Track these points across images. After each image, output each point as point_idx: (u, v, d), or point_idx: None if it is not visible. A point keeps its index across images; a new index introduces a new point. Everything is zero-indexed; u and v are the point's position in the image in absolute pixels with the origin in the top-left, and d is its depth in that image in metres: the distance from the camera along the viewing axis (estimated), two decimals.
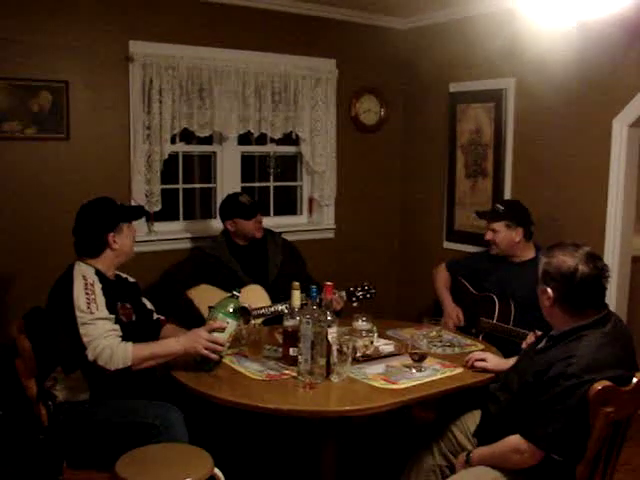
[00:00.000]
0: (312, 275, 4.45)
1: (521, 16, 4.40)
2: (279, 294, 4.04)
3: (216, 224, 4.96)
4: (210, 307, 3.70)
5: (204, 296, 4.04)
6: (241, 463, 3.55)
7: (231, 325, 3.09)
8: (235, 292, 3.17)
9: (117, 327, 3.06)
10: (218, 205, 4.99)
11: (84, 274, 3.09)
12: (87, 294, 3.02)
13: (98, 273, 3.15)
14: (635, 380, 2.55)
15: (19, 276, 4.11)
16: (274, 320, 3.86)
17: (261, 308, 3.97)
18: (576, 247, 2.66)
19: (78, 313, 2.97)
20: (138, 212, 3.63)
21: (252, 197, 4.52)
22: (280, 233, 4.62)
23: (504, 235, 4.07)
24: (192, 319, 3.82)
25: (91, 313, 2.98)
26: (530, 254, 4.09)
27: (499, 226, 4.08)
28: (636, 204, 4.45)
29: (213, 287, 4.11)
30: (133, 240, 3.36)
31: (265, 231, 4.46)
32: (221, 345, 3.07)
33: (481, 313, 4.09)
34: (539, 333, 3.25)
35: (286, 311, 3.30)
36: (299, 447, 3.93)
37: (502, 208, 4.13)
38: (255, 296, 4.08)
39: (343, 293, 3.93)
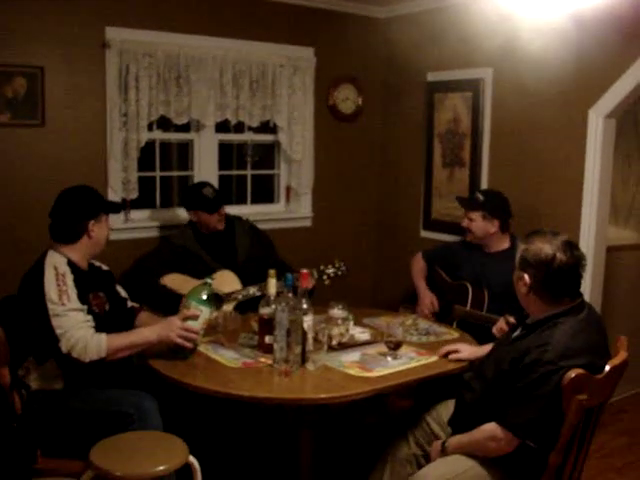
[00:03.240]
0: (285, 260, 4.45)
1: (499, 6, 4.41)
2: (249, 278, 4.04)
3: None
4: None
5: (176, 282, 4.03)
6: (216, 451, 3.55)
7: (205, 313, 3.08)
8: (208, 279, 3.16)
9: (90, 318, 3.04)
10: None
11: (55, 264, 3.07)
12: (58, 285, 3.00)
13: (70, 264, 3.12)
14: (608, 368, 2.57)
15: None
16: (249, 307, 3.86)
17: (232, 293, 3.97)
18: (554, 235, 2.68)
19: (50, 305, 2.96)
20: (117, 206, 3.62)
21: (216, 189, 4.46)
22: (247, 219, 4.62)
23: (480, 225, 4.10)
24: (171, 301, 3.80)
25: (63, 304, 2.96)
26: (505, 244, 4.13)
27: (476, 215, 4.10)
28: (611, 194, 4.48)
29: (183, 275, 4.10)
30: (108, 233, 3.35)
31: (231, 217, 4.46)
32: (195, 333, 3.06)
33: (455, 301, 4.13)
34: (510, 318, 3.28)
35: (258, 293, 3.29)
36: (276, 435, 3.94)
37: (481, 198, 4.16)
38: (226, 281, 4.07)
39: (314, 271, 3.94)
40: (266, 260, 3.81)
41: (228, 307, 3.81)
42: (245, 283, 4.06)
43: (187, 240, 4.29)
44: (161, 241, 4.54)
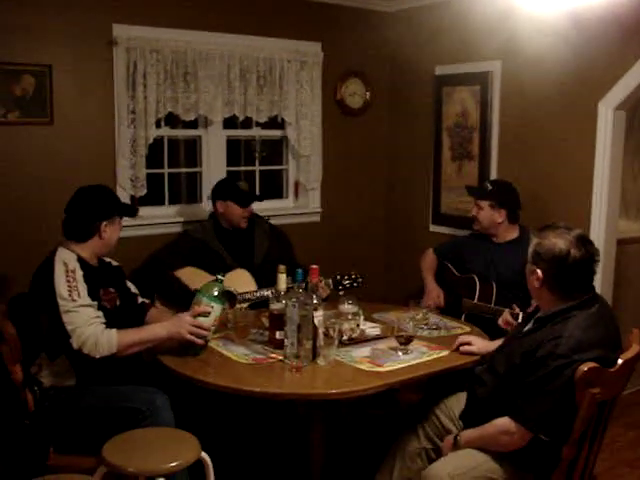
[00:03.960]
0: (299, 261, 4.44)
1: (508, 0, 4.39)
2: (265, 279, 4.03)
3: (202, 208, 4.95)
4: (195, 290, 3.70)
5: (190, 277, 4.03)
6: (228, 447, 3.56)
7: (216, 309, 3.08)
8: (219, 276, 3.16)
9: (100, 314, 3.05)
10: (204, 189, 4.99)
11: (65, 260, 3.07)
12: (68, 281, 3.00)
13: (80, 260, 3.13)
14: (620, 361, 2.57)
15: (2, 261, 4.07)
16: (260, 304, 3.86)
17: (247, 293, 3.97)
18: (568, 230, 2.66)
19: (60, 301, 2.96)
20: (132, 209, 3.61)
21: (250, 186, 4.48)
22: (268, 218, 4.61)
23: (487, 214, 4.11)
24: (183, 296, 3.79)
25: (73, 301, 2.97)
26: (513, 235, 4.13)
27: (484, 204, 4.12)
28: (621, 187, 4.46)
29: (199, 270, 4.10)
30: (118, 236, 3.35)
31: (252, 216, 4.44)
32: (206, 330, 3.07)
33: (464, 295, 4.12)
34: (516, 309, 3.27)
35: (272, 297, 3.29)
36: (287, 430, 3.94)
37: (490, 187, 4.16)
38: (241, 280, 4.07)
39: (329, 281, 3.92)
40: (283, 263, 3.79)
41: (241, 306, 3.81)
42: (260, 284, 4.06)
43: (207, 235, 4.29)
44: (180, 234, 4.52)
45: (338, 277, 3.95)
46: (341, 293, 3.91)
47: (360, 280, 3.98)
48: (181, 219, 4.81)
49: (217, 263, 4.11)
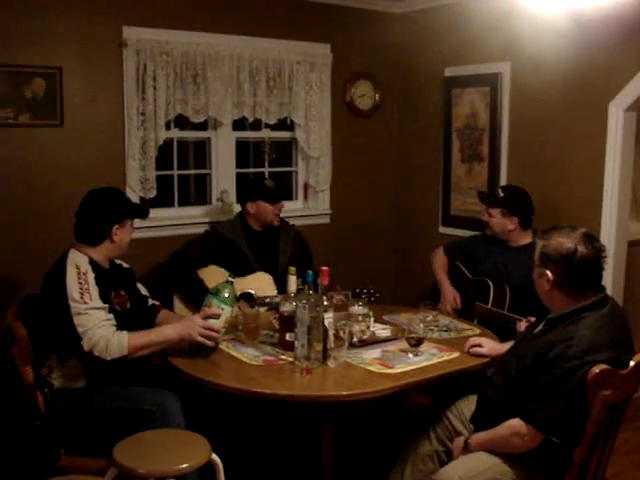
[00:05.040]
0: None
1: (517, 0, 4.38)
2: (285, 285, 4.02)
3: (211, 210, 4.96)
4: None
5: (213, 277, 4.01)
6: (239, 449, 3.56)
7: (226, 311, 3.08)
8: (229, 278, 3.16)
9: (111, 316, 3.06)
10: (213, 191, 4.99)
11: (77, 263, 3.07)
12: (80, 284, 3.00)
13: (92, 262, 3.13)
14: (632, 363, 2.55)
15: (13, 263, 4.09)
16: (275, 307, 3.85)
17: (266, 297, 3.96)
18: (572, 229, 2.67)
19: (71, 303, 2.96)
20: (143, 211, 3.60)
21: (277, 183, 4.49)
22: (293, 225, 4.62)
23: (498, 221, 4.07)
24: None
25: (85, 303, 2.97)
26: (526, 240, 4.09)
27: (495, 212, 4.08)
28: (632, 188, 4.45)
29: (221, 269, 4.09)
30: (130, 238, 3.35)
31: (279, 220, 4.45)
32: (216, 332, 3.07)
33: (477, 297, 4.09)
34: (532, 319, 3.25)
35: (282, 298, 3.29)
36: (297, 432, 3.94)
37: (501, 195, 4.13)
38: (263, 284, 4.08)
39: (349, 293, 3.91)
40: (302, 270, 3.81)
41: (257, 309, 3.79)
42: (281, 289, 4.04)
43: (235, 234, 4.29)
44: (208, 231, 4.50)
45: (357, 290, 3.94)
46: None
47: (378, 295, 3.97)
48: (190, 221, 4.82)
49: (241, 264, 4.12)
